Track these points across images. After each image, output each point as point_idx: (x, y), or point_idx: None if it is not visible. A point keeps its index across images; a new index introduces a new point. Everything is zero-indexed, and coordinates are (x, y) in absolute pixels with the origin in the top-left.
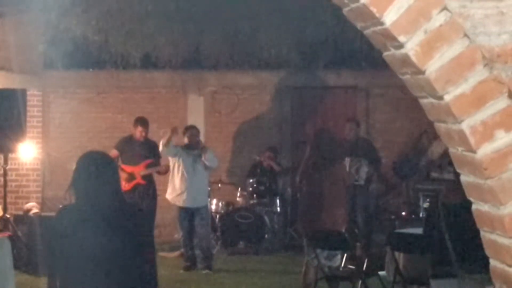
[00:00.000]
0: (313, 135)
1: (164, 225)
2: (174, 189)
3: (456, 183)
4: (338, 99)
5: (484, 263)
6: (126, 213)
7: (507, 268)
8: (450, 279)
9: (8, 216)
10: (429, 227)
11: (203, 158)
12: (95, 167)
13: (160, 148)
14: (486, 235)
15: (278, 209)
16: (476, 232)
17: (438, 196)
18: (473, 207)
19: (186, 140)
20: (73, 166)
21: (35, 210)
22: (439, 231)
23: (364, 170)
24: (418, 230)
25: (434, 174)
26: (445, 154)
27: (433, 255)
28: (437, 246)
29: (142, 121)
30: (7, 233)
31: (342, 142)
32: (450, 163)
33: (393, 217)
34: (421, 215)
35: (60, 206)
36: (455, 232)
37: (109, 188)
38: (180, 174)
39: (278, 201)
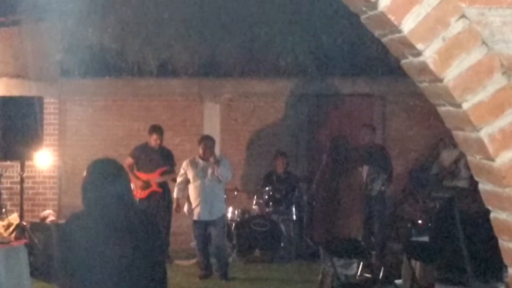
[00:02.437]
0: (329, 143)
1: (180, 233)
2: (189, 202)
3: (469, 191)
4: (354, 106)
5: (496, 271)
6: (136, 220)
7: None
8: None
9: (24, 223)
10: (440, 233)
11: (216, 173)
12: (104, 174)
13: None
14: (504, 244)
15: (294, 217)
16: (491, 241)
17: (451, 203)
18: (491, 215)
19: (200, 151)
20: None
21: (51, 218)
22: (452, 237)
23: (379, 184)
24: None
25: (446, 182)
26: (456, 161)
27: (442, 261)
28: (448, 252)
29: (156, 129)
30: (23, 241)
31: (357, 148)
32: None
33: (409, 225)
34: None
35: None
36: (471, 241)
37: (118, 195)
38: (193, 186)
39: (294, 209)
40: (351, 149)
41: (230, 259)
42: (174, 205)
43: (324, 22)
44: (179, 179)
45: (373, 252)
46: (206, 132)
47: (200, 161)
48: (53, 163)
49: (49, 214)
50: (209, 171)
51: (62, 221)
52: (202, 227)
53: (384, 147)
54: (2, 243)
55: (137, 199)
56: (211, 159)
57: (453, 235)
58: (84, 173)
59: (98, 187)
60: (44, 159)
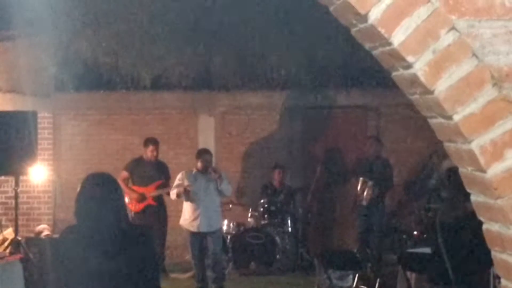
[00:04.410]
0: (323, 154)
1: (176, 246)
2: (187, 215)
3: (451, 201)
4: (348, 118)
5: (476, 280)
6: (129, 234)
7: None
8: None
9: (19, 238)
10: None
11: (219, 188)
12: (98, 189)
13: (171, 195)
14: (497, 255)
15: (290, 229)
16: (470, 250)
17: (435, 215)
18: (484, 227)
19: (199, 165)
20: None
21: (46, 232)
22: (437, 248)
23: (369, 193)
24: (430, 250)
25: (444, 194)
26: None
27: (430, 273)
28: (434, 263)
29: (152, 141)
30: (18, 256)
31: (360, 159)
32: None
33: (404, 236)
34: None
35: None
36: (452, 250)
37: (111, 209)
38: (191, 199)
39: (289, 221)
40: (347, 163)
41: (226, 272)
42: (183, 190)
43: (318, 35)
44: (174, 186)
45: (369, 264)
46: (201, 145)
47: (199, 175)
48: (48, 178)
49: (44, 229)
50: (212, 185)
51: (57, 236)
52: (200, 239)
53: (387, 161)
54: None
55: (132, 212)
56: (214, 175)
57: (437, 245)
58: (78, 187)
59: (92, 201)
60: (38, 174)
